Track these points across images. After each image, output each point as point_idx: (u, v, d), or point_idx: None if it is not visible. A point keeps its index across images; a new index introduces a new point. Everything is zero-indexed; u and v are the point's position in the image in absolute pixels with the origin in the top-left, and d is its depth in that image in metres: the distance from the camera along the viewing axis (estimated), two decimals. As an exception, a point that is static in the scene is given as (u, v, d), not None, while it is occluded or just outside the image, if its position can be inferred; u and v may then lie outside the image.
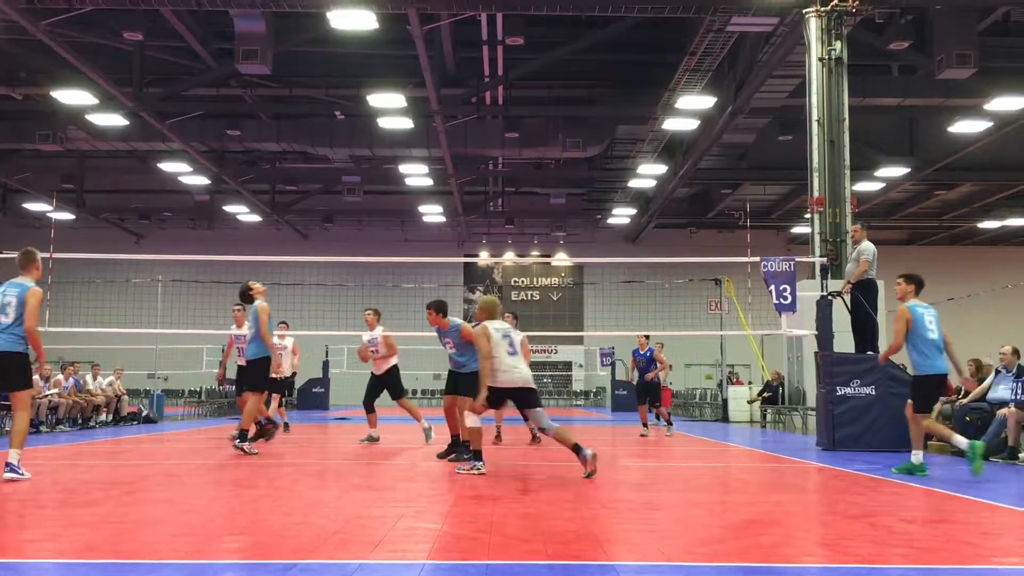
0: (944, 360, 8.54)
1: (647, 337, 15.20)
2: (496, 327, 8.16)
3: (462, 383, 9.76)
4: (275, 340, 13.22)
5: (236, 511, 5.84)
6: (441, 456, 9.67)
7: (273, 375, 13.23)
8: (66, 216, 30.88)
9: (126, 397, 18.69)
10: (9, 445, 7.40)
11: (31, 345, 7.62)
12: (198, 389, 26.25)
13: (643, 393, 14.98)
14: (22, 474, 7.22)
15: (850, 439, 11.12)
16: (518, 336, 8.45)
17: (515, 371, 8.01)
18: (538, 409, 8.10)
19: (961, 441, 8.36)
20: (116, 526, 5.12)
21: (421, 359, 24.99)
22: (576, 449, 7.74)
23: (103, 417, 17.49)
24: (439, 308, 9.90)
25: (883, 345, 12.27)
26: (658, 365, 14.86)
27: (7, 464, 7.21)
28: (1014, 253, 36.75)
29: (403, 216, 34.45)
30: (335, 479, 7.74)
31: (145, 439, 13.77)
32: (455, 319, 10.00)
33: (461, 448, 9.42)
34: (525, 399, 8.07)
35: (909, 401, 8.74)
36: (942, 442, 11.34)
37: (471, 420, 8.14)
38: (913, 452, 8.63)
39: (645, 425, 14.79)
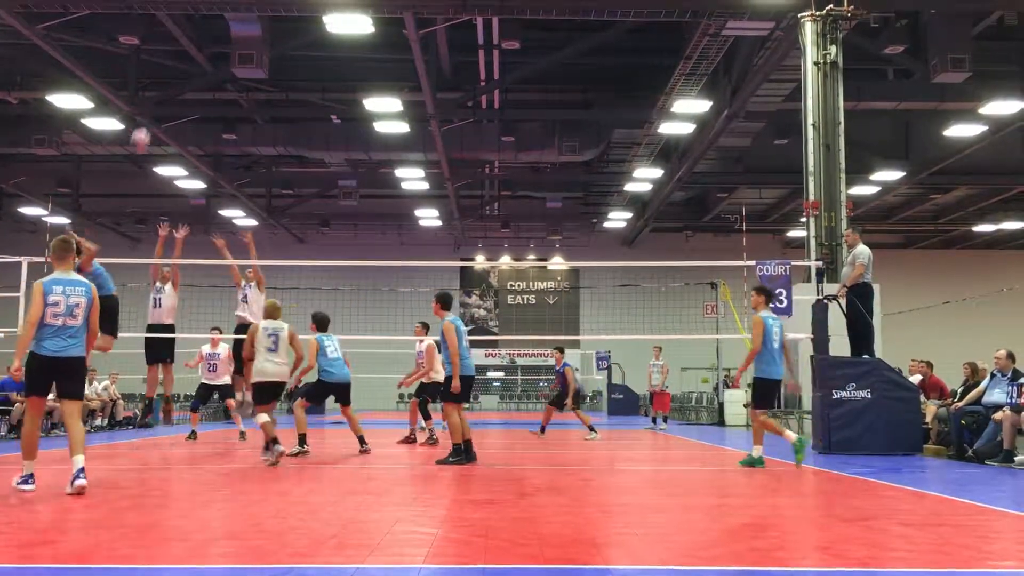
0: (782, 367, 9.68)
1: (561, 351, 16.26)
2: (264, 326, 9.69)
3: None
4: (206, 349, 14.29)
5: (232, 515, 5.83)
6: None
7: (209, 383, 14.16)
8: (62, 220, 30.81)
9: (121, 402, 18.65)
10: (72, 452, 6.74)
11: (89, 345, 7.14)
12: (193, 394, 26.14)
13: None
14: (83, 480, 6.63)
15: (846, 442, 11.12)
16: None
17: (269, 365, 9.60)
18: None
19: (791, 435, 9.47)
20: (111, 531, 5.10)
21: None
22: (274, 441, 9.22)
23: (98, 421, 17.45)
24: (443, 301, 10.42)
25: (878, 348, 12.30)
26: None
27: (80, 469, 6.61)
28: (1009, 257, 36.83)
29: (399, 220, 34.45)
30: (332, 483, 7.73)
31: (140, 443, 13.74)
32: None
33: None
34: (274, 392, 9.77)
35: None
36: (938, 446, 11.40)
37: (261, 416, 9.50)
38: (754, 447, 9.52)
39: (592, 429, 15.27)
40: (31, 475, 6.71)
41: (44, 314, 6.80)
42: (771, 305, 10.29)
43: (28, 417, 7.02)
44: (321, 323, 11.29)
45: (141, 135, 12.96)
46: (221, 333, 14.45)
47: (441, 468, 9.13)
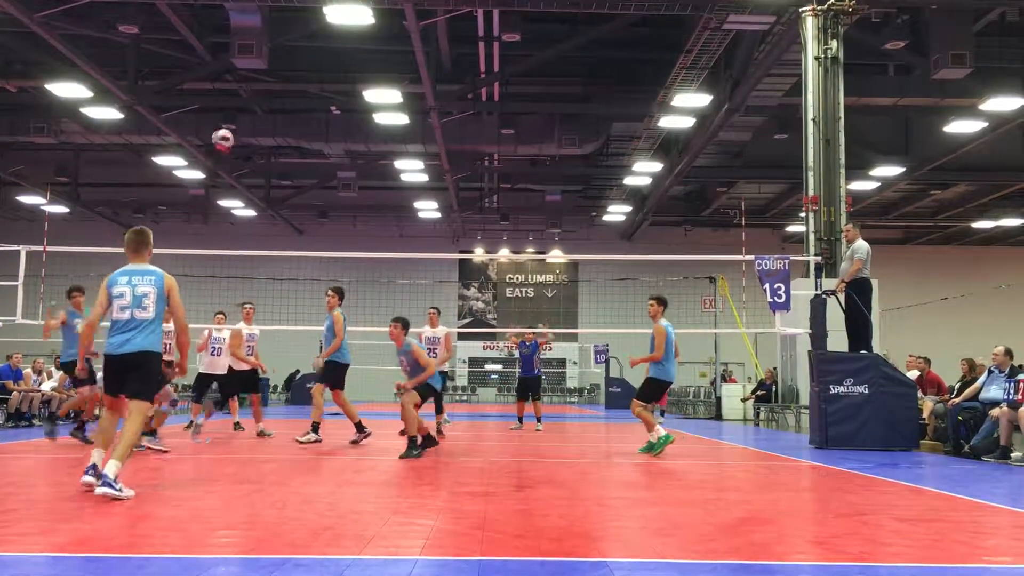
0: (676, 370, 10.49)
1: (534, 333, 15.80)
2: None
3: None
4: (214, 332, 13.15)
5: (229, 506, 5.82)
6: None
7: (209, 372, 13.06)
8: (60, 209, 30.82)
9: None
10: (114, 455, 6.10)
11: (179, 345, 6.64)
12: (191, 383, 26.16)
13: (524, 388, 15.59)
14: (119, 490, 5.83)
15: (843, 437, 11.14)
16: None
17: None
18: None
19: (659, 432, 10.06)
20: (108, 520, 5.10)
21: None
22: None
23: (96, 411, 17.42)
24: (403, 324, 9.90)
25: (876, 344, 12.32)
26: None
27: (102, 476, 5.94)
28: (1008, 253, 36.85)
29: (398, 212, 34.44)
30: (328, 474, 7.73)
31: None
32: (409, 340, 9.98)
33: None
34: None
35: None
36: (935, 442, 11.41)
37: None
38: (650, 433, 10.17)
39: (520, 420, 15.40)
40: (92, 465, 6.19)
41: (112, 308, 6.37)
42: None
43: (105, 414, 6.54)
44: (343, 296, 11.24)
45: (221, 137, 11.73)
46: (226, 317, 13.74)
47: (439, 460, 9.14)
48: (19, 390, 14.93)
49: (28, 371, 15.67)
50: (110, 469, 5.91)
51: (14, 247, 12.79)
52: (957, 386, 11.95)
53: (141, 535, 4.73)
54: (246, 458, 8.88)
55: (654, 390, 10.44)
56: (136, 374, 6.30)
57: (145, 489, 6.46)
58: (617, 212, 33.04)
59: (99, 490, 5.83)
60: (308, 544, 4.47)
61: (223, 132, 11.88)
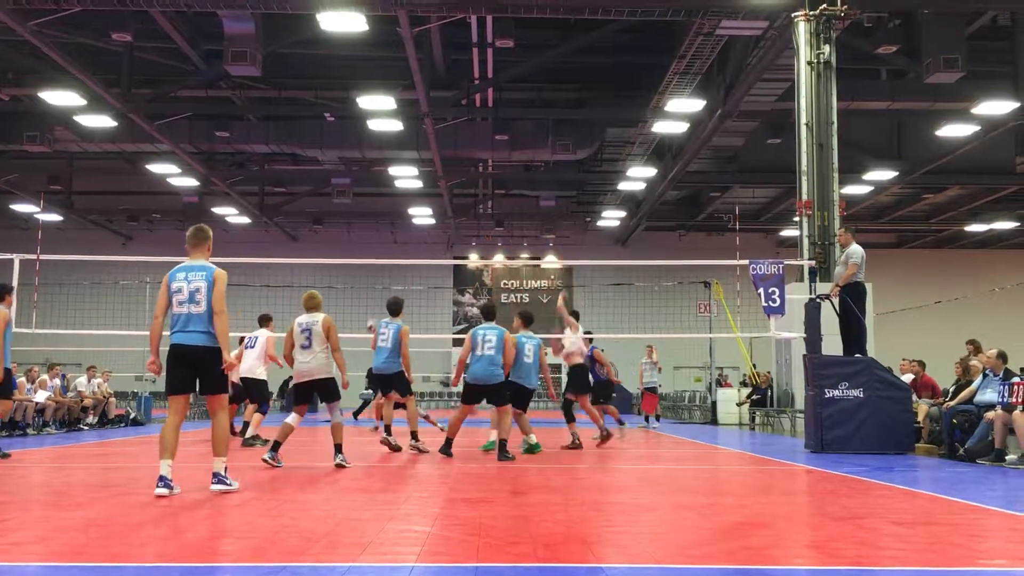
0: (537, 378, 11.04)
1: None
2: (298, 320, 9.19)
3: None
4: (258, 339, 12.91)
5: (224, 514, 5.81)
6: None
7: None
8: (53, 217, 30.75)
9: (113, 400, 18.60)
10: (214, 453, 6.75)
11: (218, 331, 6.66)
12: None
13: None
14: (230, 484, 6.62)
15: (838, 441, 11.16)
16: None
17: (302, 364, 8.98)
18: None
19: (531, 438, 10.98)
20: (104, 529, 5.09)
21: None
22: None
23: (90, 419, 17.40)
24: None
25: (871, 347, 12.34)
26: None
27: (214, 475, 6.66)
28: (1001, 256, 36.96)
29: (393, 218, 34.42)
30: (324, 481, 7.72)
31: (132, 441, 13.71)
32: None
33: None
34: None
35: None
36: (930, 445, 11.44)
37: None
38: (527, 435, 11.03)
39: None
40: (162, 477, 6.40)
41: (171, 303, 6.66)
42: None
43: (168, 415, 6.70)
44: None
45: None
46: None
47: (436, 465, 9.13)
48: (13, 399, 14.86)
49: (22, 380, 15.62)
50: (218, 466, 6.60)
51: (7, 256, 12.76)
52: (951, 389, 11.97)
53: (137, 544, 4.72)
54: (241, 466, 8.85)
55: (518, 395, 10.84)
56: (207, 368, 6.61)
57: (140, 497, 6.44)
58: (611, 217, 33.08)
59: (214, 487, 6.51)
60: (304, 551, 4.46)
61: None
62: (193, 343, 6.56)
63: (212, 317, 6.59)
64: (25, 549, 4.57)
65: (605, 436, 12.90)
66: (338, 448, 9.09)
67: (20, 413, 14.79)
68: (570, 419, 12.74)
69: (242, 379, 12.71)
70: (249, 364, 12.65)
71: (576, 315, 13.08)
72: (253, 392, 12.95)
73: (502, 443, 10.02)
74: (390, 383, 11.08)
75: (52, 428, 15.88)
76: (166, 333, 6.83)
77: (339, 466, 8.86)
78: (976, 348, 12.39)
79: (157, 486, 6.38)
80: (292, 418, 9.11)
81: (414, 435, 11.01)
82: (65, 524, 5.26)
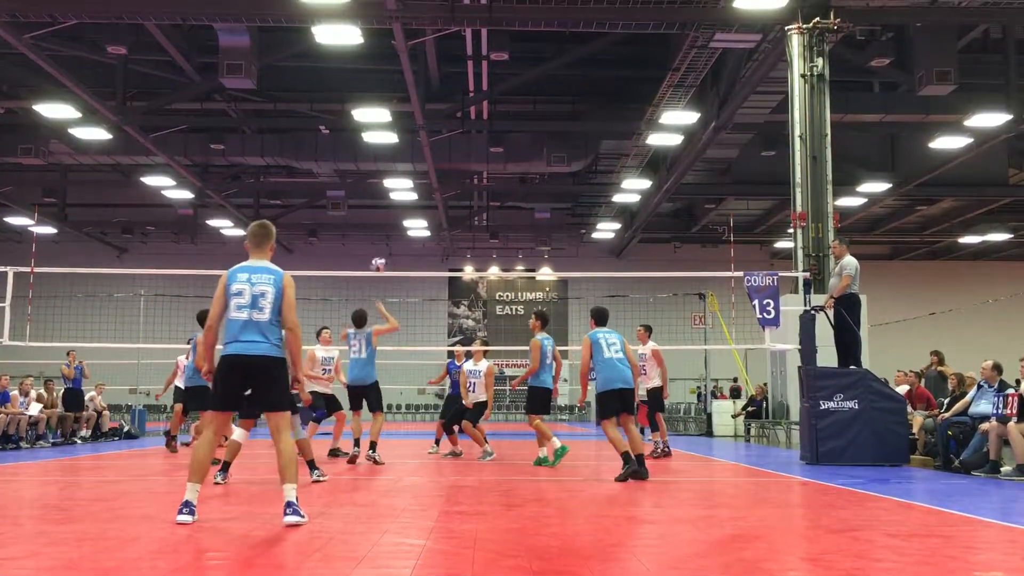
0: (551, 377, 11.11)
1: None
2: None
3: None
4: (320, 353, 12.54)
5: (218, 528, 5.78)
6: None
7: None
8: (48, 230, 30.68)
9: (107, 412, 18.53)
10: (282, 480, 5.72)
11: (290, 348, 5.93)
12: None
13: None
14: (303, 516, 5.65)
15: (833, 453, 11.15)
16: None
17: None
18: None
19: (556, 443, 10.67)
20: (97, 543, 5.06)
21: (406, 373, 25.11)
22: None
23: (84, 432, 17.34)
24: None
25: (865, 359, 12.35)
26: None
27: (287, 504, 5.63)
28: (994, 268, 37.04)
29: (388, 230, 34.42)
30: (318, 494, 7.69)
31: (126, 455, 13.65)
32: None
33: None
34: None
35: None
36: (925, 457, 11.43)
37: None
38: (541, 448, 10.93)
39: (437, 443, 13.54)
40: (187, 502, 5.68)
41: (229, 307, 5.80)
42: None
43: (204, 432, 5.96)
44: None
45: (380, 263, 13.49)
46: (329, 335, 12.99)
47: (430, 479, 9.10)
48: (6, 412, 14.80)
49: (15, 393, 15.55)
50: (290, 494, 5.61)
51: (1, 268, 12.73)
52: (946, 401, 11.98)
53: (130, 558, 4.69)
54: (236, 478, 8.82)
55: (541, 399, 10.98)
56: (269, 382, 5.74)
57: (133, 511, 6.41)
58: (606, 229, 33.12)
59: (288, 519, 5.54)
60: (298, 565, 4.44)
61: (379, 263, 13.42)
62: (254, 353, 5.69)
63: (276, 325, 5.81)
64: (17, 564, 4.54)
65: (663, 452, 12.63)
66: (311, 464, 8.63)
67: (13, 427, 14.72)
68: (654, 428, 12.81)
69: None
70: None
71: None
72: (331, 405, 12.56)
73: (639, 457, 9.01)
74: (364, 396, 11.01)
75: (45, 441, 15.80)
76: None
77: (316, 482, 8.47)
78: (939, 359, 12.40)
79: (180, 512, 5.67)
80: (239, 434, 8.49)
81: (373, 446, 10.88)
82: (57, 538, 5.23)
